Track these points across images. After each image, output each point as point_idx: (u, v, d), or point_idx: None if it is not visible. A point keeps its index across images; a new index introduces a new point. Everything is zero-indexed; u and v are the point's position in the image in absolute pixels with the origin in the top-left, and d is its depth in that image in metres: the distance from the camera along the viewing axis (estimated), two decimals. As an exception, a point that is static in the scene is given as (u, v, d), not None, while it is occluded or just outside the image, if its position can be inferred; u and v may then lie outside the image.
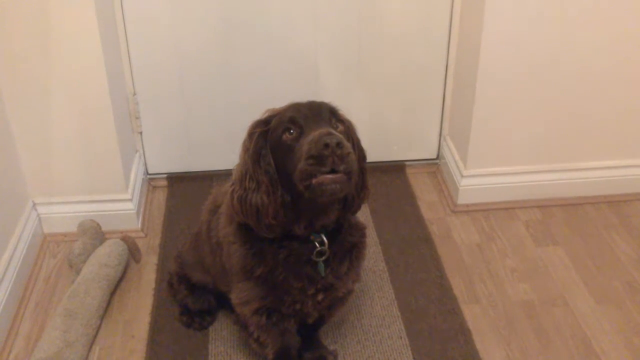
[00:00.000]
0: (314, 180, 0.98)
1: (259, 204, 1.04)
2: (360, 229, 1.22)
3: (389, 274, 1.64)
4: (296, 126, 1.02)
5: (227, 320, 1.50)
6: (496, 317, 1.52)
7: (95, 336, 1.47)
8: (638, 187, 1.92)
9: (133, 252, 1.66)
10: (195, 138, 1.97)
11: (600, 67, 1.72)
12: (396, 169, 2.04)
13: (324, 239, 1.11)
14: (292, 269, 1.13)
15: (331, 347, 1.43)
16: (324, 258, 1.12)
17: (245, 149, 1.07)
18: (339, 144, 0.96)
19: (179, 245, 1.64)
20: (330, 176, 0.97)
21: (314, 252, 1.11)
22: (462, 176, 1.86)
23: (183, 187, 1.98)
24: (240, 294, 1.19)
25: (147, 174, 2.00)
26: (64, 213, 1.74)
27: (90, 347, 1.44)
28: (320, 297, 1.17)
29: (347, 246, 1.17)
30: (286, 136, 1.02)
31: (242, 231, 1.14)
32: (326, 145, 0.96)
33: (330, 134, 0.97)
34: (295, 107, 1.05)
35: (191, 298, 1.46)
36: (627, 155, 1.88)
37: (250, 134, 1.07)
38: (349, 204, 1.13)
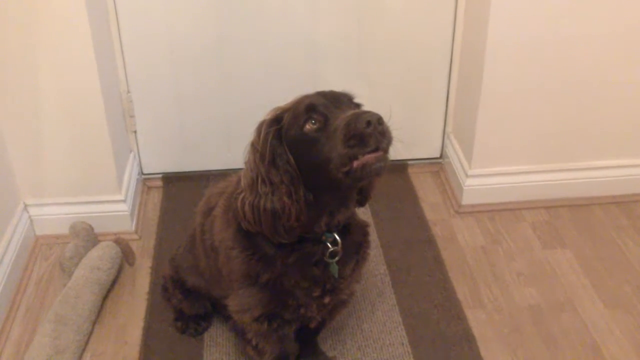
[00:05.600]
0: (355, 164, 0.93)
1: (277, 208, 0.99)
2: (362, 228, 1.18)
3: (390, 277, 1.60)
4: (319, 115, 0.97)
5: (222, 326, 1.47)
6: (502, 323, 1.49)
7: (86, 342, 1.44)
8: (648, 187, 1.88)
9: (126, 255, 1.63)
10: (191, 137, 1.93)
11: (610, 65, 1.68)
12: (398, 168, 2.00)
13: (337, 237, 1.07)
14: (301, 272, 1.09)
15: (330, 354, 1.40)
16: (337, 259, 1.08)
17: (255, 151, 1.01)
18: (379, 120, 0.92)
19: (173, 247, 1.61)
20: (374, 155, 0.93)
21: (327, 253, 1.07)
22: (466, 176, 1.82)
23: (179, 187, 1.95)
24: (241, 300, 1.14)
25: (142, 174, 1.97)
26: (55, 215, 1.71)
27: (82, 353, 1.41)
28: (327, 299, 1.13)
29: (353, 246, 1.14)
30: (309, 127, 0.97)
31: (242, 236, 1.09)
32: (368, 123, 0.91)
33: (366, 112, 0.93)
34: (311, 97, 1.00)
35: (186, 303, 1.42)
36: (636, 155, 1.84)
37: (265, 135, 1.00)
38: (365, 193, 1.11)
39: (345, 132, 0.93)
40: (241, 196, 1.03)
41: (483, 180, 1.82)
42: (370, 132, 0.91)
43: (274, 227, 1.01)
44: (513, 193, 1.84)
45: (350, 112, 0.95)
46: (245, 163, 1.04)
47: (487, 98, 1.70)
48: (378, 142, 0.92)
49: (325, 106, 0.97)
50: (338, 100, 1.00)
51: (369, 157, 0.93)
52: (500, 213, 1.84)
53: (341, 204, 1.06)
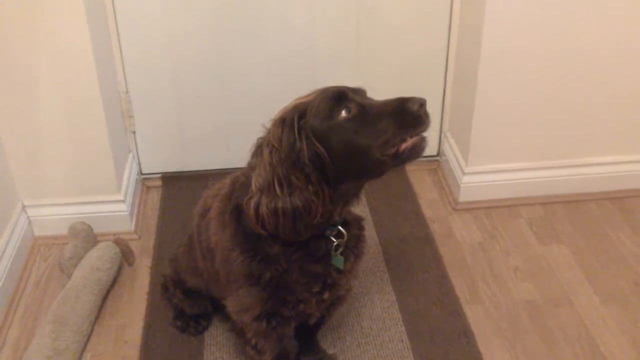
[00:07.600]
0: (403, 145, 0.95)
1: (299, 207, 0.96)
2: (358, 222, 1.18)
3: (389, 274, 1.61)
4: (352, 102, 0.97)
5: (223, 325, 1.47)
6: (499, 318, 1.49)
7: (86, 343, 1.43)
8: (642, 183, 1.89)
9: (126, 255, 1.62)
10: (190, 136, 1.93)
11: (603, 62, 1.68)
12: (395, 166, 2.00)
13: (342, 230, 1.07)
14: (303, 268, 1.08)
15: (330, 351, 1.40)
16: (340, 250, 1.08)
17: (274, 150, 0.97)
18: (425, 103, 0.96)
19: (173, 247, 1.61)
20: (420, 137, 0.96)
21: (333, 247, 1.07)
22: (463, 173, 1.83)
23: (178, 187, 1.94)
24: (241, 300, 1.13)
25: (141, 174, 1.96)
26: (54, 215, 1.70)
27: (81, 354, 1.40)
28: (326, 295, 1.13)
29: (352, 240, 1.13)
30: (344, 114, 0.96)
31: (241, 237, 1.08)
32: (421, 105, 0.95)
33: (413, 96, 0.96)
34: (335, 87, 0.99)
35: (187, 302, 1.42)
36: (630, 151, 1.85)
37: (289, 132, 0.96)
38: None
39: (399, 114, 0.95)
40: (253, 200, 0.99)
41: (479, 177, 1.82)
42: (423, 113, 0.95)
43: (295, 227, 0.98)
44: (509, 190, 1.84)
45: (394, 98, 0.97)
46: (257, 164, 1.00)
47: (482, 96, 1.70)
48: (428, 123, 0.96)
49: (354, 94, 0.99)
50: (358, 92, 1.01)
51: (417, 139, 0.96)
52: (497, 209, 1.84)
53: (355, 194, 1.05)
